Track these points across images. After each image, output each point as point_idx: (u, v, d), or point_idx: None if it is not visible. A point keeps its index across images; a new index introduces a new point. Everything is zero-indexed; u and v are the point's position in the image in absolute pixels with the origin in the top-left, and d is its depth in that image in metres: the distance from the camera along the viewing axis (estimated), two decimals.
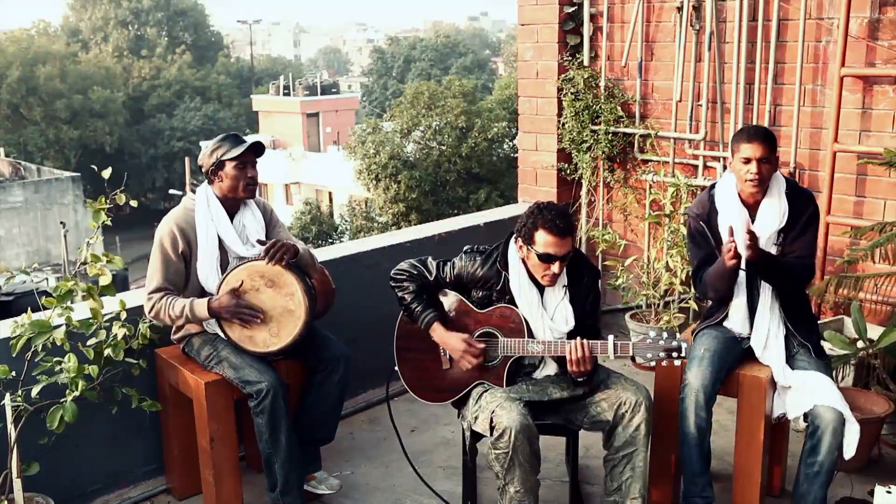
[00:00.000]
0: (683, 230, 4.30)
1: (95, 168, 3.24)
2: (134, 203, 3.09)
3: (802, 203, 3.02)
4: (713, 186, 3.13)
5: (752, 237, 2.84)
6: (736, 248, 2.85)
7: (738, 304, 3.08)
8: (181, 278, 3.17)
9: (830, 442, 2.83)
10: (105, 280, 3.00)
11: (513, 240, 2.95)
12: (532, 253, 2.85)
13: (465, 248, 3.09)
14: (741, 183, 2.99)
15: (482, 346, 2.95)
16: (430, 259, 3.09)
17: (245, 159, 3.17)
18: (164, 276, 3.13)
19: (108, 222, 3.03)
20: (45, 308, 2.96)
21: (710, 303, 3.26)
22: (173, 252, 3.13)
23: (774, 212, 2.98)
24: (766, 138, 2.95)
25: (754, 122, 4.35)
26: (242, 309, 3.07)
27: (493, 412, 2.80)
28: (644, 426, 2.87)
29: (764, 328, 3.03)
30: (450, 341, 2.98)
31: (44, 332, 2.88)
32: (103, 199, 2.99)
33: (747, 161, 2.94)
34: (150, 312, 3.15)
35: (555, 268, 2.84)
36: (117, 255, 3.08)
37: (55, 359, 2.92)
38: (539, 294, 2.94)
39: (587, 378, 2.88)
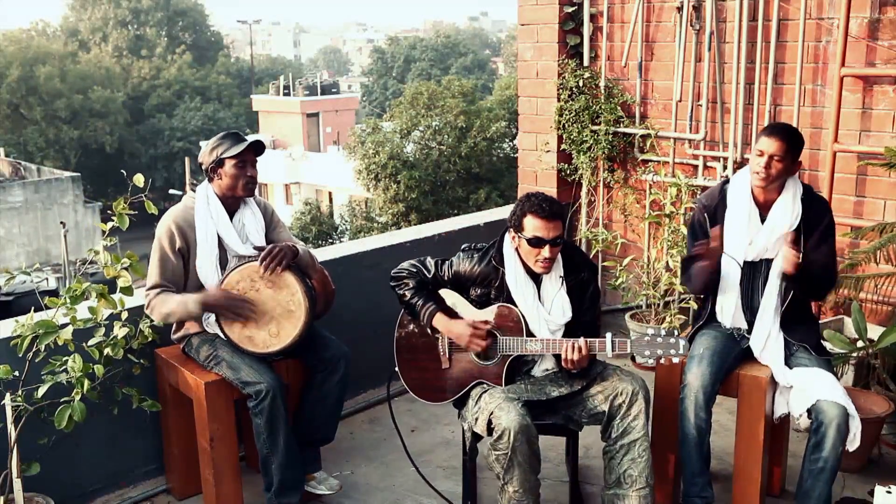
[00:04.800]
0: (684, 230, 4.30)
1: (124, 173, 3.24)
2: (154, 210, 3.09)
3: (818, 210, 3.00)
4: (727, 180, 3.13)
5: (797, 250, 2.86)
6: (709, 242, 2.93)
7: (728, 299, 3.09)
8: (179, 276, 3.17)
9: (835, 438, 2.81)
10: (124, 282, 3.00)
11: (507, 234, 2.96)
12: (523, 240, 2.86)
13: (462, 246, 3.09)
14: (752, 175, 2.99)
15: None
16: (428, 259, 3.10)
17: (245, 158, 3.17)
18: (161, 274, 3.13)
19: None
20: (48, 308, 2.96)
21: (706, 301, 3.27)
22: (171, 250, 3.13)
23: (787, 213, 2.97)
24: (785, 136, 2.92)
25: (754, 122, 4.36)
26: (234, 301, 3.06)
27: (491, 413, 2.80)
28: (641, 416, 2.86)
29: (764, 329, 3.03)
30: (455, 328, 2.97)
31: (50, 331, 2.88)
32: (122, 202, 2.98)
33: (760, 154, 2.93)
34: (146, 308, 3.15)
35: (545, 252, 2.84)
36: (116, 255, 3.08)
37: (63, 358, 2.92)
38: (535, 287, 2.94)
39: (580, 372, 2.89)
